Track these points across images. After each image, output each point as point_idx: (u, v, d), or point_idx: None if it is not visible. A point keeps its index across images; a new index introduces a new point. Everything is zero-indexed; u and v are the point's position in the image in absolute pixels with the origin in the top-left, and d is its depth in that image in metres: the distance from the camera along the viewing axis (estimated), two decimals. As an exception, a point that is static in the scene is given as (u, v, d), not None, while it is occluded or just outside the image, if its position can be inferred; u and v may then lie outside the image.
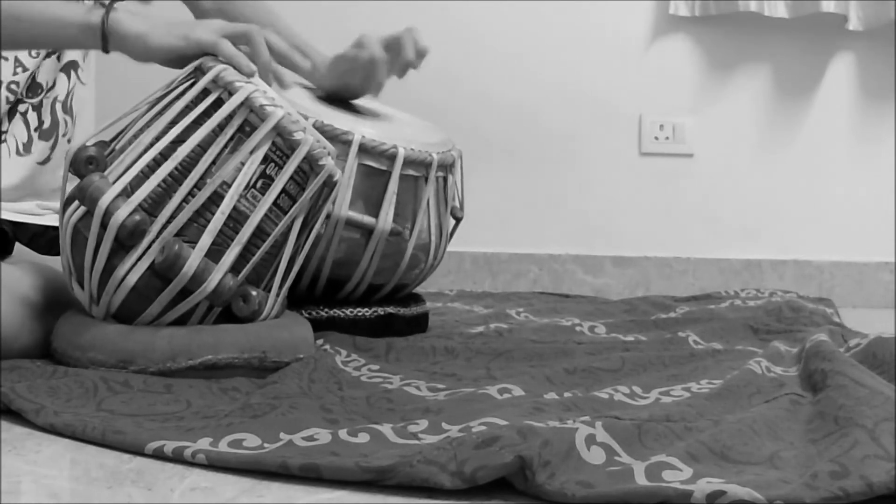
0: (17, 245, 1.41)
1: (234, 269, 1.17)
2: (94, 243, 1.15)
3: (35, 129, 1.40)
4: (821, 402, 1.01)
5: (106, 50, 1.25)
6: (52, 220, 1.44)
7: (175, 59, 1.25)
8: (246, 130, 1.18)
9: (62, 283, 1.26)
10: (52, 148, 1.43)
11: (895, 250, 2.29)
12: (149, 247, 1.14)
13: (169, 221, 1.15)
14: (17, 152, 1.39)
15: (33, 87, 1.40)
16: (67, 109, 1.45)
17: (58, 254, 1.40)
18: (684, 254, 2.35)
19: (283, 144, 1.19)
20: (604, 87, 2.37)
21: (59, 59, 1.42)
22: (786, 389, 1.10)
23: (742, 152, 2.36)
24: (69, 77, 1.45)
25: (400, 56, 1.46)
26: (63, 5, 1.27)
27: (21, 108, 1.38)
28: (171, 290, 1.15)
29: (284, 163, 1.19)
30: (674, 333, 1.54)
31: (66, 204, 1.20)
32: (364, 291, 1.47)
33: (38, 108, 1.41)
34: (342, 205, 1.39)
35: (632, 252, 2.36)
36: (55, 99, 1.43)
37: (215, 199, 1.16)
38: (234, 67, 1.21)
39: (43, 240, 1.43)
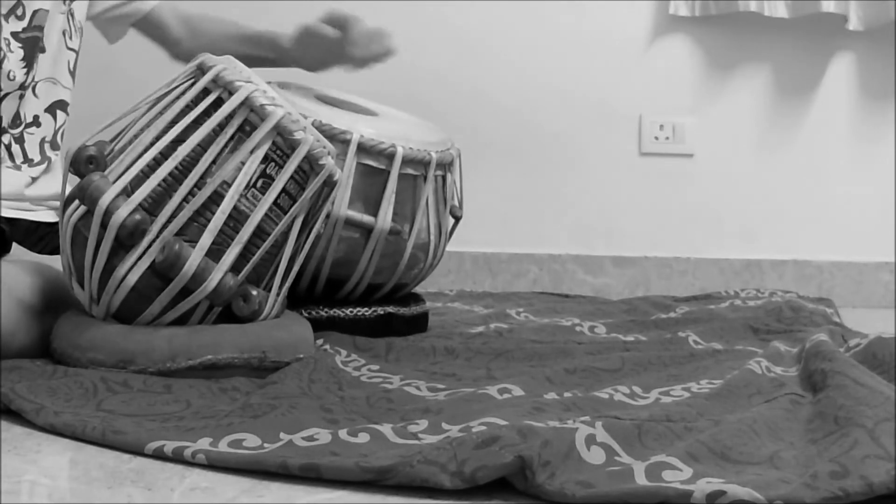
0: (15, 243, 1.41)
1: (235, 268, 1.17)
2: (94, 243, 1.15)
3: (22, 162, 1.40)
4: (821, 402, 1.02)
5: None
6: (45, 216, 1.43)
7: None
8: (246, 130, 1.18)
9: (61, 282, 1.26)
10: (45, 171, 1.44)
11: (895, 250, 2.29)
12: (149, 246, 1.14)
13: (169, 221, 1.15)
14: (8, 168, 1.40)
15: (14, 118, 1.39)
16: (57, 146, 1.46)
17: (51, 251, 1.41)
18: (684, 254, 2.35)
19: (283, 144, 1.19)
20: (604, 88, 2.36)
21: (34, 91, 1.41)
22: (786, 389, 1.10)
23: (742, 152, 2.36)
24: (55, 117, 1.45)
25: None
26: None
27: (4, 139, 1.38)
28: (172, 290, 1.15)
29: (285, 162, 1.19)
30: (674, 333, 1.54)
31: (67, 203, 1.20)
32: (363, 291, 1.47)
33: (20, 142, 1.40)
34: (341, 204, 1.39)
35: (632, 252, 2.36)
36: (43, 139, 1.43)
37: (216, 198, 1.16)
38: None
39: (35, 236, 1.43)
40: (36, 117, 1.42)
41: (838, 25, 2.26)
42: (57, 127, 1.45)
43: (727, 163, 2.36)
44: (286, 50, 1.61)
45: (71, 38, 1.46)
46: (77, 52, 1.48)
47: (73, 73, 1.48)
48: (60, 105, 1.45)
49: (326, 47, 1.57)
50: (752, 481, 0.78)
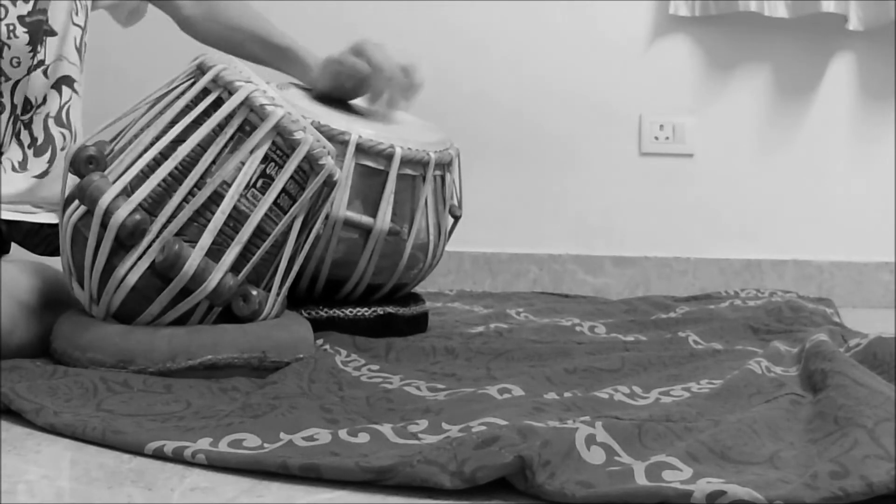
0: (15, 245, 1.41)
1: (235, 268, 1.17)
2: (94, 243, 1.15)
3: (29, 146, 1.40)
4: (821, 402, 1.01)
5: None
6: (45, 217, 1.43)
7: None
8: (246, 130, 1.18)
9: (61, 282, 1.26)
10: (50, 162, 1.43)
11: (895, 250, 2.29)
12: (149, 246, 1.14)
13: (169, 221, 1.15)
14: (14, 169, 1.39)
15: (25, 103, 1.39)
16: (62, 123, 1.44)
17: (52, 252, 1.40)
18: (684, 254, 2.35)
19: (283, 144, 1.19)
20: (604, 88, 2.36)
21: (46, 74, 1.40)
22: (786, 389, 1.10)
23: (742, 152, 2.36)
24: (61, 92, 1.44)
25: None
26: None
27: (8, 129, 1.38)
28: (172, 290, 1.15)
29: (284, 162, 1.19)
30: (674, 333, 1.54)
31: (66, 203, 1.20)
32: (363, 291, 1.47)
33: (28, 126, 1.40)
34: (340, 205, 1.39)
35: (632, 252, 2.36)
36: (47, 115, 1.42)
37: (215, 198, 1.16)
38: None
39: (37, 238, 1.43)
40: (45, 97, 1.42)
41: (838, 25, 2.26)
42: (62, 103, 1.44)
43: (727, 163, 2.36)
44: (311, 80, 1.55)
45: (77, 13, 1.45)
46: (83, 29, 1.47)
47: (79, 50, 1.46)
48: (66, 81, 1.44)
49: (357, 80, 1.51)
50: (752, 481, 0.78)
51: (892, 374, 1.18)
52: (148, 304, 1.16)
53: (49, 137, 1.42)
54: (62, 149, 1.43)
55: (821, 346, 1.22)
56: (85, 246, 1.16)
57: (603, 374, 1.22)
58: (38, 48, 1.39)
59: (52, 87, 1.42)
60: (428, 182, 1.46)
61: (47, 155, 1.43)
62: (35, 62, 1.38)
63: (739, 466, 0.84)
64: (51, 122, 1.43)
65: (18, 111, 1.38)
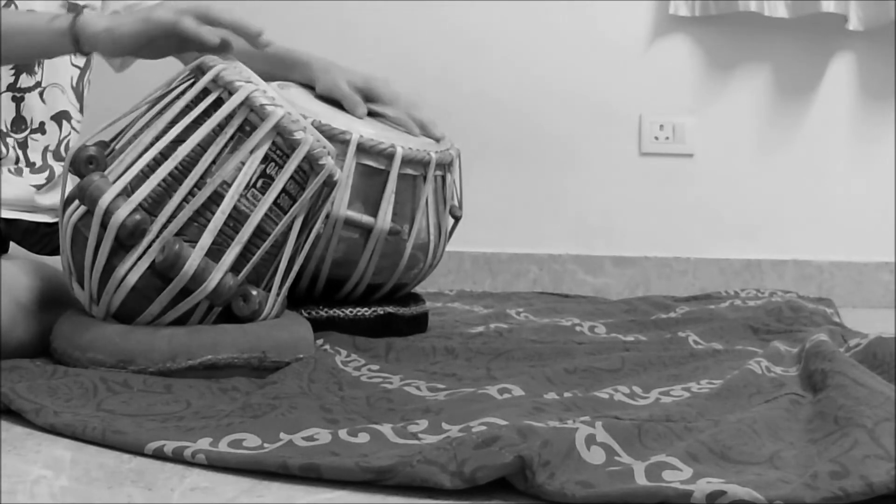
0: (14, 244, 1.41)
1: (235, 268, 1.17)
2: (94, 243, 1.15)
3: (26, 166, 1.39)
4: (821, 402, 1.02)
5: (81, 51, 1.25)
6: (44, 216, 1.43)
7: (144, 43, 1.24)
8: (246, 130, 1.18)
9: (60, 281, 1.26)
10: (48, 180, 1.43)
11: (895, 250, 2.29)
12: (149, 246, 1.14)
13: (169, 221, 1.15)
14: (10, 171, 1.39)
15: (17, 121, 1.38)
16: (60, 157, 1.44)
17: (51, 252, 1.40)
18: (684, 254, 2.35)
19: (283, 144, 1.19)
20: (604, 87, 2.36)
21: (42, 97, 1.40)
22: (786, 389, 1.10)
23: (742, 152, 2.36)
24: (60, 126, 1.44)
25: None
26: (30, 16, 1.27)
27: (8, 142, 1.37)
28: (172, 290, 1.15)
29: (285, 162, 1.19)
30: (674, 333, 1.54)
31: (67, 203, 1.20)
32: (363, 291, 1.47)
33: (23, 147, 1.39)
34: (341, 204, 1.39)
35: (632, 252, 2.36)
36: (46, 148, 1.42)
37: (215, 198, 1.16)
38: (200, 41, 1.21)
39: (36, 237, 1.43)
40: (42, 124, 1.41)
41: (838, 25, 2.26)
42: (62, 137, 1.44)
43: (727, 163, 2.35)
44: (313, 79, 1.51)
45: (75, 54, 1.45)
46: (81, 70, 1.46)
47: (75, 90, 1.46)
48: (66, 116, 1.44)
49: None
50: (752, 481, 0.78)
51: (892, 374, 1.18)
52: (148, 304, 1.16)
53: (46, 166, 1.42)
54: (56, 179, 1.43)
55: (821, 346, 1.22)
56: (85, 246, 1.16)
57: (603, 374, 1.22)
58: (32, 67, 1.38)
59: (52, 118, 1.42)
60: (429, 182, 1.46)
61: (45, 174, 1.42)
62: (20, 82, 1.38)
63: (739, 466, 0.84)
64: (49, 155, 1.42)
65: (3, 126, 1.36)
